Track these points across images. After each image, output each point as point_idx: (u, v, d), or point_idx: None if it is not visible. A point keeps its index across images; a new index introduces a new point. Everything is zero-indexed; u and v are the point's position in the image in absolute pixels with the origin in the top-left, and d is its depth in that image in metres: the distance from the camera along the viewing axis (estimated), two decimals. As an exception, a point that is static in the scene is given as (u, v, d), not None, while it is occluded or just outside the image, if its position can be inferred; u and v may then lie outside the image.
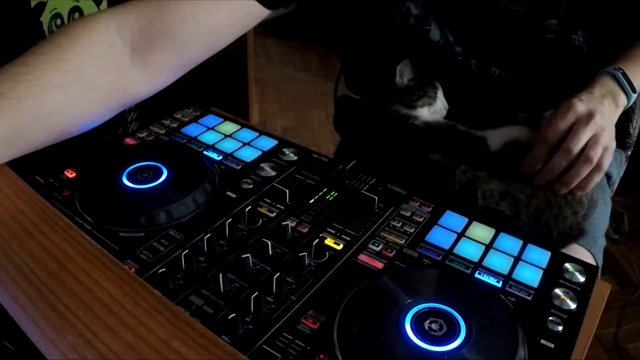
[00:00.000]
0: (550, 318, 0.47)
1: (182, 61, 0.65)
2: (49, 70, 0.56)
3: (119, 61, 0.61)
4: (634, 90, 0.69)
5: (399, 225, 0.57)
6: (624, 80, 0.69)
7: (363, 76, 0.86)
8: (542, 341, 0.45)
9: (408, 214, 0.58)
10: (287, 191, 0.59)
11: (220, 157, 0.66)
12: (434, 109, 0.74)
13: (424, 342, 0.43)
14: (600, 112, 0.64)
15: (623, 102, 0.69)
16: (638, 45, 0.74)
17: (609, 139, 0.64)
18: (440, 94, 0.74)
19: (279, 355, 0.43)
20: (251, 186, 0.61)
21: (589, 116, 0.63)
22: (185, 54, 0.64)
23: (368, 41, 0.79)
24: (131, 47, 0.62)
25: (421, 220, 0.58)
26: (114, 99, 0.62)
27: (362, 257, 0.53)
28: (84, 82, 0.59)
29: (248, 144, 0.70)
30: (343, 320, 0.45)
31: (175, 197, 0.57)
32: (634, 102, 0.76)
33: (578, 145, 0.63)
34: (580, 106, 0.63)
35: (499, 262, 0.53)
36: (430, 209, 0.59)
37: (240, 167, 0.65)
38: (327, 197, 0.60)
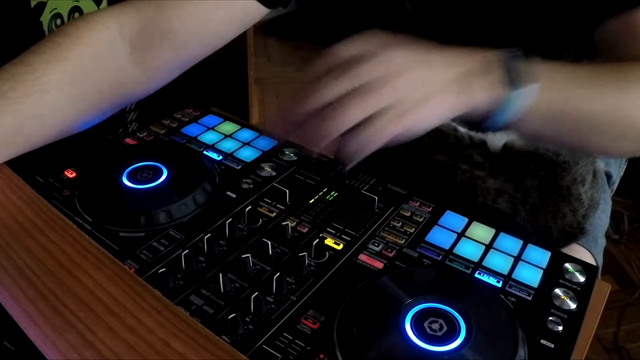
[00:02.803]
0: (550, 318, 0.47)
1: (181, 60, 0.65)
2: (48, 69, 0.57)
3: (118, 60, 0.61)
4: (519, 84, 0.46)
5: (399, 225, 0.57)
6: (509, 63, 0.47)
7: None
8: (542, 341, 0.45)
9: (408, 214, 0.58)
10: (287, 191, 0.59)
11: (220, 157, 0.66)
12: None
13: (424, 342, 0.43)
14: (404, 50, 0.44)
15: (485, 89, 0.46)
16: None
17: (404, 100, 0.43)
18: None
19: (279, 355, 0.43)
20: (251, 186, 0.61)
21: (377, 49, 0.44)
22: (185, 53, 0.65)
23: None
24: (131, 46, 0.62)
25: (421, 220, 0.58)
26: (114, 98, 0.63)
27: (362, 257, 0.53)
28: (84, 81, 0.59)
29: (248, 144, 0.70)
30: (343, 320, 0.45)
31: (175, 197, 0.57)
32: None
33: (334, 86, 0.43)
34: (373, 35, 0.45)
35: (499, 262, 0.53)
36: (430, 209, 0.59)
37: (240, 167, 0.65)
38: (327, 197, 0.60)
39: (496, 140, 0.69)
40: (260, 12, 0.66)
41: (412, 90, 0.43)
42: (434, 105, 0.44)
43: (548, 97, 0.47)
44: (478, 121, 0.48)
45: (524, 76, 0.46)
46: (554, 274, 0.52)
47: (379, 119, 0.43)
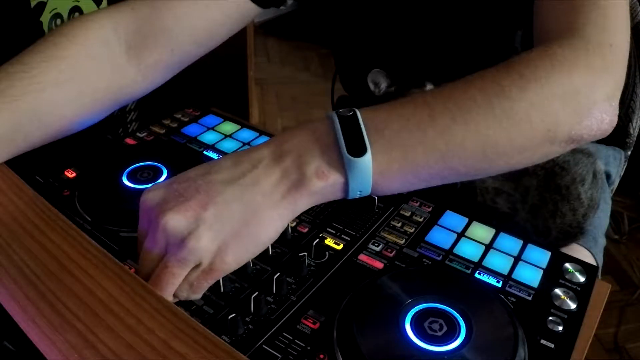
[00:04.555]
0: (550, 318, 0.47)
1: (176, 59, 0.65)
2: (45, 68, 0.57)
3: (114, 59, 0.62)
4: (360, 150, 0.40)
5: (399, 225, 0.57)
6: (340, 130, 0.41)
7: (356, 77, 0.86)
8: (542, 341, 0.45)
9: (408, 214, 0.58)
10: (287, 191, 0.59)
11: (220, 158, 0.66)
12: None
13: (424, 342, 0.43)
14: (182, 203, 0.41)
15: (322, 172, 0.41)
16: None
17: (204, 251, 0.40)
18: (430, 89, 0.74)
19: (279, 355, 0.43)
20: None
21: (154, 219, 0.42)
22: (180, 52, 0.65)
23: (359, 41, 0.79)
24: (126, 46, 0.62)
25: (421, 220, 0.58)
26: (111, 97, 0.63)
27: (362, 257, 0.53)
28: (80, 80, 0.59)
29: (248, 144, 0.70)
30: (343, 320, 0.45)
31: (175, 197, 0.57)
32: (633, 102, 0.71)
33: (142, 264, 0.44)
34: (146, 200, 0.43)
35: (499, 262, 0.53)
36: (430, 209, 0.59)
37: (240, 167, 0.65)
38: (327, 197, 0.60)
39: None
40: (255, 11, 0.67)
41: (222, 226, 0.40)
42: (261, 223, 0.41)
43: (390, 158, 0.42)
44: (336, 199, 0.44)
45: (354, 144, 0.41)
46: (554, 274, 0.52)
47: (201, 266, 0.42)
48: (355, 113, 0.42)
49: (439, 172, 0.44)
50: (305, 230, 0.56)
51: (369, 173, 0.41)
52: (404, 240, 0.55)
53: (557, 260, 0.54)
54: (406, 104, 0.44)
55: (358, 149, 0.41)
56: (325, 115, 0.43)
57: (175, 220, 0.40)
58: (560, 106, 0.43)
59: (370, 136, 0.41)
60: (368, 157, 0.41)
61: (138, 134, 0.71)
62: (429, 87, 0.73)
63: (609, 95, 0.45)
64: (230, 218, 0.41)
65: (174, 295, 0.44)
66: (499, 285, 0.50)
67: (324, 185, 0.41)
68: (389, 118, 0.43)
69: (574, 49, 0.45)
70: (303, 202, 0.42)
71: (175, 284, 0.42)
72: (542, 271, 0.52)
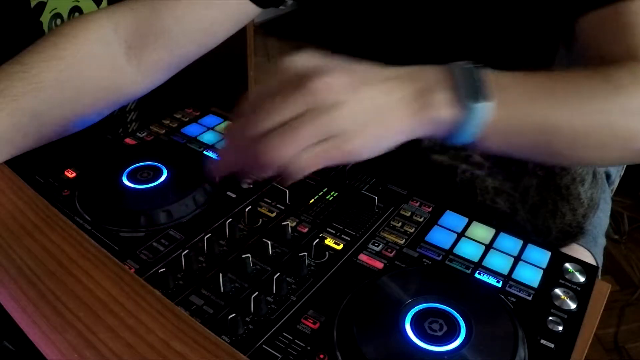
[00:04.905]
0: (550, 318, 0.47)
1: (176, 59, 0.65)
2: (45, 68, 0.57)
3: (114, 59, 0.62)
4: (476, 99, 0.43)
5: (399, 225, 0.57)
6: (463, 77, 0.43)
7: None
8: (542, 341, 0.45)
9: (408, 214, 0.58)
10: (287, 191, 0.59)
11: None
12: None
13: (424, 342, 0.43)
14: (335, 79, 0.40)
15: (442, 105, 0.43)
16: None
17: (342, 126, 0.40)
18: None
19: (279, 355, 0.43)
20: (251, 186, 0.61)
21: (305, 78, 0.40)
22: (179, 52, 0.65)
23: (358, 41, 0.79)
24: (126, 46, 0.62)
25: (421, 220, 0.58)
26: (110, 97, 0.63)
27: (362, 257, 0.53)
28: (80, 80, 0.59)
29: (248, 144, 0.69)
30: (343, 320, 0.45)
31: (175, 197, 0.57)
32: None
33: (261, 123, 0.41)
34: (294, 61, 0.42)
35: (499, 262, 0.53)
36: (430, 209, 0.59)
37: (240, 167, 0.65)
38: (327, 197, 0.60)
39: None
40: (254, 11, 0.67)
41: (362, 114, 0.41)
42: (387, 127, 0.42)
43: (505, 113, 0.44)
44: (440, 139, 0.46)
45: (480, 92, 0.43)
46: (554, 274, 0.52)
47: (327, 142, 0.41)
48: (482, 68, 0.44)
49: (537, 144, 0.47)
50: (305, 230, 0.56)
51: (481, 121, 0.43)
52: (404, 240, 0.55)
53: (557, 260, 0.54)
54: (529, 75, 0.47)
55: (478, 95, 0.43)
56: (455, 63, 0.45)
57: (333, 85, 0.40)
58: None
59: (492, 90, 0.43)
60: (487, 105, 0.43)
61: (138, 134, 0.71)
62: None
63: None
64: (376, 105, 0.41)
65: (289, 163, 0.41)
66: (499, 285, 0.50)
67: (442, 117, 0.43)
68: (513, 81, 0.46)
69: None
70: (423, 126, 0.44)
71: (297, 148, 0.40)
72: (542, 271, 0.52)
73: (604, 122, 0.46)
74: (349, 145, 0.41)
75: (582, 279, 0.52)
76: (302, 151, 0.40)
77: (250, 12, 0.67)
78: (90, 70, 0.60)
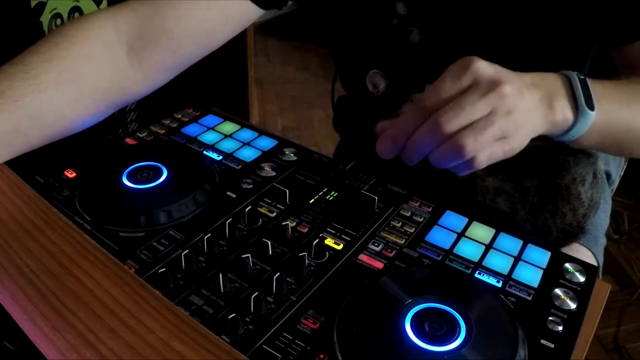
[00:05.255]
0: (550, 318, 0.47)
1: (177, 60, 0.65)
2: (46, 69, 0.57)
3: (115, 60, 0.62)
4: (590, 106, 0.50)
5: (399, 225, 0.57)
6: (580, 86, 0.50)
7: (356, 77, 0.86)
8: (542, 341, 0.45)
9: (408, 214, 0.58)
10: (287, 191, 0.59)
11: (220, 157, 0.66)
12: None
13: (424, 342, 0.43)
14: (514, 86, 0.46)
15: (564, 110, 0.50)
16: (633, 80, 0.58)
17: (512, 128, 0.46)
18: None
19: (279, 355, 0.43)
20: (251, 186, 0.61)
21: (493, 83, 0.45)
22: (181, 53, 0.65)
23: (358, 42, 0.79)
24: (127, 47, 0.62)
25: (421, 220, 0.58)
26: (111, 98, 0.63)
27: (362, 257, 0.53)
28: (81, 81, 0.59)
29: (248, 144, 0.70)
30: (343, 320, 0.45)
31: (175, 197, 0.57)
32: None
33: (457, 119, 0.45)
34: (484, 67, 0.46)
35: (499, 262, 0.53)
36: (430, 209, 0.59)
37: (240, 167, 0.65)
38: (327, 197, 0.60)
39: None
40: (256, 13, 0.66)
41: (523, 116, 0.47)
42: (531, 128, 0.49)
43: (605, 117, 0.52)
44: (550, 136, 0.53)
45: (591, 100, 0.51)
46: (554, 274, 0.52)
47: (501, 141, 0.46)
48: (588, 79, 0.52)
49: (621, 142, 0.57)
50: (305, 230, 0.56)
51: (588, 124, 0.51)
52: (404, 240, 0.55)
53: (557, 260, 0.54)
54: (615, 84, 0.56)
55: (589, 103, 0.51)
56: (566, 73, 0.52)
57: (513, 92, 0.46)
58: None
59: (597, 98, 0.51)
60: (593, 112, 0.51)
61: (138, 134, 0.71)
62: (427, 89, 0.73)
63: None
64: (528, 111, 0.48)
65: (470, 154, 0.45)
66: (499, 285, 0.50)
67: (562, 119, 0.50)
68: (606, 89, 0.53)
69: None
70: (547, 126, 0.50)
71: (482, 145, 0.45)
72: (542, 271, 0.52)
73: None
74: (513, 144, 0.47)
75: (582, 279, 0.52)
76: (485, 147, 0.45)
77: (252, 13, 0.66)
78: (92, 71, 0.60)
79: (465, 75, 0.46)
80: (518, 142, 0.47)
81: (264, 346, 0.44)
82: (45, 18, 1.14)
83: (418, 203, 0.60)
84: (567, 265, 0.53)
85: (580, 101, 0.50)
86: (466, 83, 0.46)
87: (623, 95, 0.55)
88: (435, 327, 0.44)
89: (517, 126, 0.46)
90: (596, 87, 0.52)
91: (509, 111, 0.45)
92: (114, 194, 0.58)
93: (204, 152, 0.67)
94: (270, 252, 0.52)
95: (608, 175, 0.86)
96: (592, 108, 0.50)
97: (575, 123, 0.51)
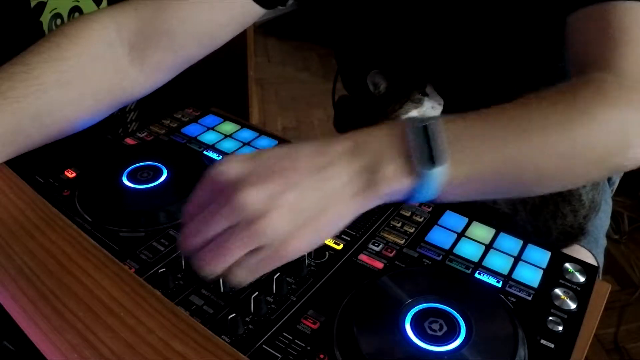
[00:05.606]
0: (550, 318, 0.47)
1: (179, 60, 0.65)
2: (47, 69, 0.57)
3: (117, 60, 0.62)
4: (436, 161, 0.40)
5: (399, 225, 0.57)
6: (417, 139, 0.41)
7: (357, 77, 0.86)
8: (542, 341, 0.45)
9: (408, 214, 0.58)
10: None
11: (220, 157, 0.66)
12: (422, 110, 0.73)
13: (424, 342, 0.43)
14: (262, 184, 0.39)
15: (395, 176, 0.41)
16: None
17: (269, 237, 0.39)
18: (431, 92, 0.74)
19: (279, 355, 0.43)
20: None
21: (228, 192, 0.39)
22: (182, 53, 0.65)
23: (359, 42, 0.79)
24: (129, 47, 0.62)
25: (421, 220, 0.58)
26: (113, 97, 0.63)
27: (362, 257, 0.53)
28: (82, 80, 0.59)
29: (248, 144, 0.70)
30: (343, 320, 0.45)
31: (175, 197, 0.57)
32: None
33: (191, 240, 0.40)
34: (219, 172, 0.40)
35: (499, 262, 0.53)
36: (430, 209, 0.59)
37: (240, 167, 0.65)
38: (327, 197, 0.60)
39: None
40: (257, 12, 0.66)
41: (292, 216, 0.40)
42: (328, 219, 0.41)
43: (464, 168, 0.42)
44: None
45: (435, 155, 0.41)
46: (554, 274, 0.52)
47: (260, 253, 0.40)
48: (432, 123, 0.42)
49: (499, 189, 0.47)
50: (305, 230, 0.56)
51: (437, 183, 0.41)
52: (404, 240, 0.55)
53: (557, 260, 0.53)
54: (484, 116, 0.44)
55: (431, 160, 0.41)
56: (407, 119, 0.43)
57: (254, 198, 0.39)
58: (611, 140, 0.45)
59: (445, 149, 0.41)
60: (440, 169, 0.41)
61: (138, 134, 0.71)
62: (428, 89, 0.73)
63: None
64: (306, 206, 0.40)
65: (219, 275, 0.41)
66: (499, 285, 0.50)
67: (393, 190, 0.42)
68: (466, 132, 0.43)
69: (619, 86, 0.46)
70: (372, 202, 0.43)
71: (229, 262, 0.40)
72: (542, 271, 0.52)
73: (569, 151, 0.44)
74: (283, 251, 0.40)
75: (582, 279, 0.51)
76: (239, 263, 0.40)
77: (254, 13, 0.66)
78: (93, 71, 0.60)
79: (209, 183, 0.41)
80: (298, 242, 0.40)
81: (264, 346, 0.44)
82: (45, 18, 1.14)
83: (418, 203, 0.60)
84: (567, 265, 0.53)
85: (415, 161, 0.41)
86: (206, 193, 0.41)
87: (500, 129, 0.44)
88: (435, 327, 0.44)
89: (283, 229, 0.39)
90: (451, 128, 0.42)
91: (256, 219, 0.39)
92: (114, 194, 0.58)
93: (204, 152, 0.67)
94: (270, 252, 0.52)
95: (608, 176, 0.86)
96: (434, 165, 0.40)
97: (417, 186, 0.41)
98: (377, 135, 0.43)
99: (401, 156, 0.41)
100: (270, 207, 0.39)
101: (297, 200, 0.40)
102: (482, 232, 0.56)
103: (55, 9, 1.15)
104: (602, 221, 0.77)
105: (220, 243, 0.40)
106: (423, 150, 0.41)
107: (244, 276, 0.41)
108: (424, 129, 0.41)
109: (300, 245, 0.41)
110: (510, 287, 0.50)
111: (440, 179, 0.41)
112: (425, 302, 0.46)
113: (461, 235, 0.56)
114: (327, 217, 0.41)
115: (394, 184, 0.41)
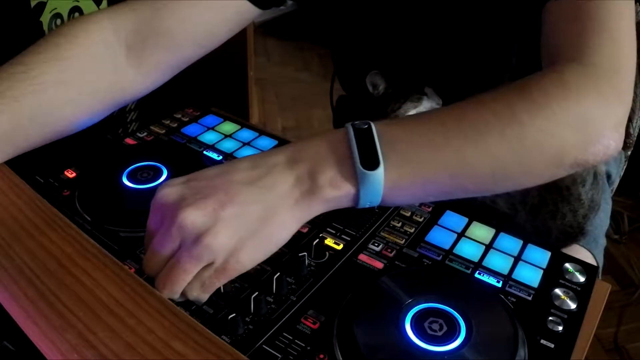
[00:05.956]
0: (550, 318, 0.47)
1: (177, 60, 0.65)
2: (46, 69, 0.57)
3: (115, 60, 0.62)
4: (372, 165, 0.41)
5: (399, 225, 0.57)
6: (355, 147, 0.42)
7: (356, 78, 0.86)
8: (542, 341, 0.45)
9: (408, 214, 0.58)
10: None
11: (221, 157, 0.66)
12: (421, 110, 0.73)
13: (424, 342, 0.43)
14: (201, 202, 0.41)
15: (334, 183, 0.42)
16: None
17: (216, 252, 0.41)
18: (430, 92, 0.74)
19: (279, 355, 0.43)
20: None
21: (171, 214, 0.41)
22: (180, 54, 0.65)
23: (358, 42, 0.79)
24: (127, 47, 0.62)
25: (421, 220, 0.58)
26: (111, 98, 0.63)
27: (362, 257, 0.53)
28: (81, 81, 0.59)
29: (248, 144, 0.70)
30: (343, 320, 0.45)
31: (175, 197, 0.57)
32: (633, 102, 0.70)
33: (149, 264, 0.43)
34: (163, 197, 0.42)
35: (499, 262, 0.53)
36: (430, 209, 0.59)
37: (240, 167, 0.65)
38: (327, 197, 0.60)
39: None
40: (254, 13, 0.67)
41: (236, 229, 0.41)
42: (272, 229, 0.42)
43: (404, 172, 0.42)
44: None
45: (373, 157, 0.41)
46: (554, 274, 0.52)
47: (211, 267, 0.42)
48: (370, 127, 0.43)
49: (447, 189, 0.46)
50: (305, 230, 0.56)
51: (380, 186, 0.42)
52: (404, 240, 0.55)
53: (557, 260, 0.54)
54: (421, 122, 0.45)
55: (371, 163, 0.41)
56: (345, 126, 0.44)
57: (194, 216, 0.40)
58: (570, 134, 0.44)
59: (384, 151, 0.42)
60: (380, 171, 0.41)
61: (138, 134, 0.71)
62: (427, 90, 0.73)
63: (617, 123, 0.46)
64: (247, 218, 0.41)
65: (182, 294, 0.43)
66: (499, 285, 0.50)
67: (336, 195, 0.42)
68: (404, 134, 0.44)
69: (584, 76, 0.45)
70: (316, 209, 0.43)
71: (185, 280, 0.42)
72: (542, 271, 0.52)
73: (519, 148, 0.43)
74: (233, 263, 0.41)
75: (582, 279, 0.52)
76: (193, 281, 0.42)
77: (251, 13, 0.67)
78: (92, 71, 0.60)
79: (155, 209, 0.43)
80: (246, 254, 0.41)
81: (264, 346, 0.44)
82: (45, 18, 1.14)
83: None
84: (567, 265, 0.53)
85: (354, 164, 0.41)
86: (157, 216, 0.43)
87: (442, 130, 0.43)
88: (435, 327, 0.44)
89: (228, 243, 0.41)
90: (388, 132, 0.42)
91: (201, 236, 0.40)
92: (114, 194, 0.58)
93: (204, 152, 0.67)
94: (270, 252, 0.52)
95: (608, 176, 0.86)
96: (373, 168, 0.41)
97: (359, 190, 0.42)
98: (318, 142, 0.44)
99: (342, 161, 0.42)
100: (211, 223, 0.40)
101: (237, 213, 0.41)
102: (482, 232, 0.56)
103: (55, 9, 1.15)
104: (601, 221, 0.77)
105: (173, 264, 0.42)
106: (360, 153, 0.41)
107: (198, 292, 0.43)
108: (359, 132, 0.42)
109: (248, 257, 0.42)
110: (510, 287, 0.50)
111: (380, 182, 0.42)
112: (425, 302, 0.46)
113: (461, 235, 0.56)
114: (272, 227, 0.42)
115: (336, 188, 0.42)
